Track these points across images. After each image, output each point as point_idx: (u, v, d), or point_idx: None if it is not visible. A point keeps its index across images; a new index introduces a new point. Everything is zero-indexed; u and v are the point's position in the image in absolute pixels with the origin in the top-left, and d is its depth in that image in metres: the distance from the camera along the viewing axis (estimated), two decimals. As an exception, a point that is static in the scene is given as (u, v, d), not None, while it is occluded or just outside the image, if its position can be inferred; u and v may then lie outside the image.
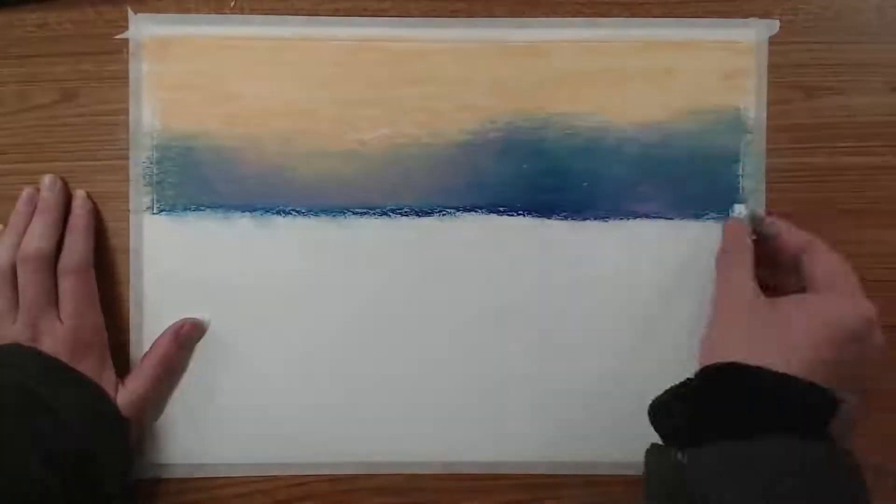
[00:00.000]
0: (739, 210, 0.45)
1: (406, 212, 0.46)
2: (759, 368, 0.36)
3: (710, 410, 0.37)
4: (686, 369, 0.46)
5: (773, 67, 0.46)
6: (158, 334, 0.45)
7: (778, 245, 0.42)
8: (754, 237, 0.43)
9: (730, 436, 0.35)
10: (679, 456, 0.36)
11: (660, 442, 0.39)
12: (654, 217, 0.46)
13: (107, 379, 0.43)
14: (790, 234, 0.42)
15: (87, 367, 0.42)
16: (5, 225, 0.43)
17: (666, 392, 0.39)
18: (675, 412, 0.38)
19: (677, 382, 0.39)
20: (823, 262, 0.40)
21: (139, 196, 0.45)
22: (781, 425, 0.35)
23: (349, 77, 0.46)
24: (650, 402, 0.39)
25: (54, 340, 0.41)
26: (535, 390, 0.46)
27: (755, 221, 0.43)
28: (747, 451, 0.35)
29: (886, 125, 0.46)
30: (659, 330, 0.46)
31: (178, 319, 0.45)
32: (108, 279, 0.45)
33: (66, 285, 0.42)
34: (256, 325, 0.45)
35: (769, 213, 0.45)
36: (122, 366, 0.45)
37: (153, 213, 0.45)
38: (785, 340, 0.37)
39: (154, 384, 0.44)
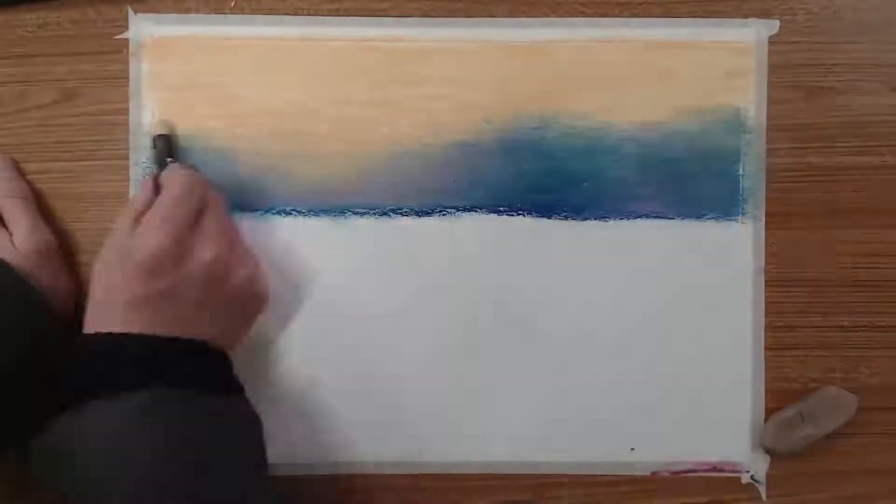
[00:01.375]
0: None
1: (406, 212, 0.46)
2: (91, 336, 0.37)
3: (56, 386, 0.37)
4: (685, 368, 0.46)
5: (773, 67, 0.46)
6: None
7: None
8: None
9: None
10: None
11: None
12: (654, 217, 0.46)
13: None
14: (164, 175, 0.41)
15: None
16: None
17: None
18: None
19: None
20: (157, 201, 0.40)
21: (139, 196, 0.45)
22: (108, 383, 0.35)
23: (349, 77, 0.46)
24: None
25: None
26: (535, 390, 0.46)
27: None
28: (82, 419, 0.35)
29: (886, 125, 0.46)
30: (658, 329, 0.46)
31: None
32: (108, 279, 0.45)
33: None
34: (255, 324, 0.45)
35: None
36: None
37: (153, 213, 0.45)
38: (110, 285, 0.38)
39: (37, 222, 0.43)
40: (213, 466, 0.36)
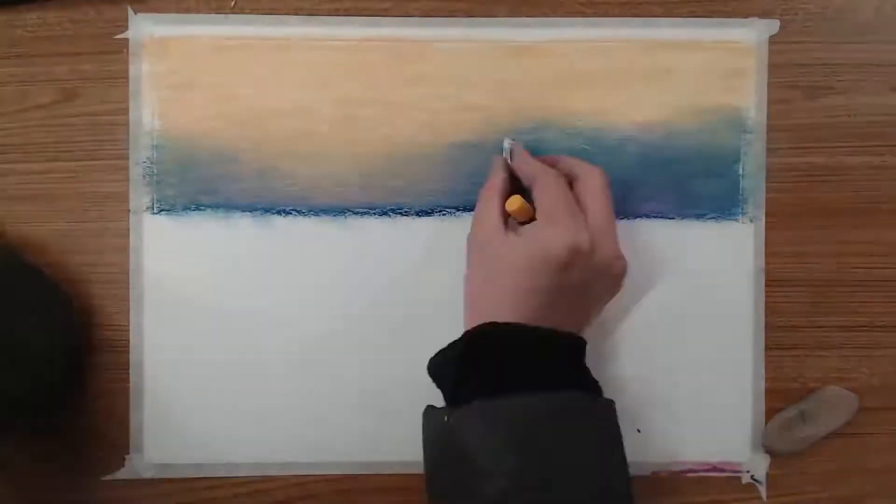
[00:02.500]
0: (507, 144, 0.44)
1: (406, 212, 0.46)
2: (506, 325, 0.38)
3: (468, 372, 0.38)
4: (685, 368, 0.46)
5: (773, 67, 0.46)
6: (159, 335, 0.45)
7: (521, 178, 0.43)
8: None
9: (486, 395, 0.37)
10: (446, 417, 0.38)
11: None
12: (654, 217, 0.46)
13: None
14: (524, 164, 0.42)
15: None
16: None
17: (439, 353, 0.40)
18: (446, 374, 0.40)
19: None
20: (545, 192, 0.40)
21: (139, 196, 0.45)
22: (533, 378, 0.37)
23: (349, 77, 0.45)
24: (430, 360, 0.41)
25: None
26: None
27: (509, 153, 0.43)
28: (501, 407, 0.37)
29: (886, 125, 0.46)
30: (658, 329, 0.46)
31: (179, 320, 0.45)
32: (108, 279, 0.45)
33: None
34: (256, 325, 0.45)
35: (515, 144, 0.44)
36: (123, 367, 0.45)
37: (153, 213, 0.45)
38: (499, 270, 0.39)
39: None
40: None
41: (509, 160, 0.43)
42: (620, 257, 0.41)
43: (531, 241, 0.39)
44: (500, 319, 0.38)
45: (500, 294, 0.39)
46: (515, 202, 0.41)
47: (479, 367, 0.38)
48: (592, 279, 0.40)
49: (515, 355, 0.38)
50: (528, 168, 0.42)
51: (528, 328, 0.38)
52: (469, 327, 0.39)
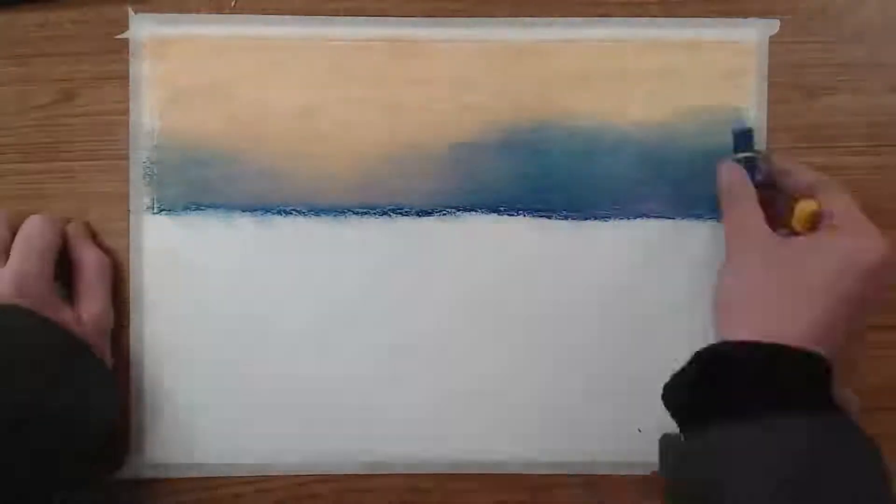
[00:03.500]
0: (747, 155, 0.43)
1: (406, 212, 0.46)
2: (755, 344, 0.36)
3: (708, 390, 0.36)
4: (686, 369, 0.46)
5: (773, 67, 0.46)
6: (159, 335, 0.45)
7: (783, 186, 0.42)
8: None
9: (731, 416, 0.34)
10: (690, 445, 0.36)
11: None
12: (654, 217, 0.46)
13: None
14: (801, 172, 0.42)
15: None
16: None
17: (674, 375, 0.39)
18: (679, 395, 0.38)
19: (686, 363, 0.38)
20: (842, 200, 0.39)
21: (139, 196, 0.45)
22: (782, 401, 0.34)
23: (349, 77, 0.46)
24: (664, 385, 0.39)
25: None
26: (535, 390, 0.46)
27: (762, 160, 0.42)
28: (751, 431, 0.34)
29: (886, 125, 0.46)
30: (658, 329, 0.46)
31: (179, 320, 0.45)
32: (109, 279, 0.45)
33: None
34: (256, 325, 0.45)
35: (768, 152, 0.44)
36: (123, 366, 0.45)
37: (153, 213, 0.45)
38: (800, 282, 0.37)
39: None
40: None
41: (756, 167, 0.42)
42: None
43: (839, 250, 0.37)
44: (791, 332, 0.35)
45: (797, 306, 0.36)
46: (811, 206, 0.40)
47: (718, 385, 0.36)
48: (877, 297, 0.38)
49: (760, 378, 0.35)
50: (808, 176, 0.41)
51: (789, 349, 0.35)
52: (744, 337, 0.36)
